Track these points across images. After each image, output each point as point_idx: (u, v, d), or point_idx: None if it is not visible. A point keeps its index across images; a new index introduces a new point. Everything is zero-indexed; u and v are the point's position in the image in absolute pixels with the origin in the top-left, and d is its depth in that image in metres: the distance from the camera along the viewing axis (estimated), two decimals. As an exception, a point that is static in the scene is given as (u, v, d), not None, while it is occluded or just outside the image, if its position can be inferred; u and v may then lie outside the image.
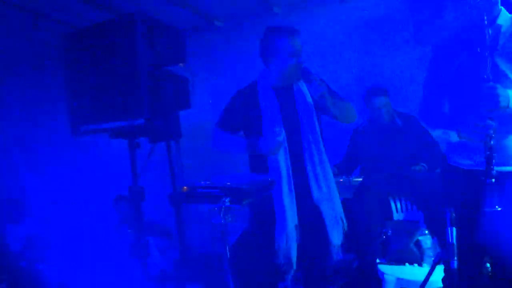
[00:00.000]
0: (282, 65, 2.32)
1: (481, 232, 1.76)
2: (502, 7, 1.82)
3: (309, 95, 2.36)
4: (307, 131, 2.32)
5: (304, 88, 2.39)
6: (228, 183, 1.74)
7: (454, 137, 1.85)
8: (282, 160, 2.31)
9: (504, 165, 1.78)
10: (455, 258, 1.42)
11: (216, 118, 2.56)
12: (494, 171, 1.67)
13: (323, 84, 2.19)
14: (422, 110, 2.08)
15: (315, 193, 2.31)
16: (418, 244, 2.61)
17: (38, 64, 5.11)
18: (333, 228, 2.33)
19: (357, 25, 3.71)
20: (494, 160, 1.67)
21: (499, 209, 1.65)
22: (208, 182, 1.81)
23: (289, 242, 2.30)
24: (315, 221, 2.32)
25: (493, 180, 1.66)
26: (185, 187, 1.83)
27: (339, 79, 3.58)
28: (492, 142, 1.67)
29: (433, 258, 1.99)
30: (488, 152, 1.67)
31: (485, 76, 1.68)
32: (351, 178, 3.19)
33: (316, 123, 2.35)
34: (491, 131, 1.66)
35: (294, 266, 2.33)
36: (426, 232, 2.59)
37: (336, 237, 2.34)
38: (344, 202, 3.27)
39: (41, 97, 5.41)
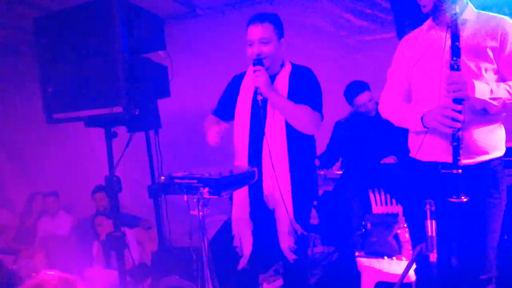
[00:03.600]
0: (247, 53, 2.31)
1: (446, 223, 1.78)
2: (469, 2, 1.85)
3: (285, 87, 2.30)
4: (271, 123, 2.26)
5: (285, 78, 2.34)
6: (207, 174, 1.70)
7: (415, 127, 1.87)
8: (242, 148, 2.31)
9: (470, 158, 1.80)
10: (435, 251, 1.42)
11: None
12: (461, 162, 1.68)
13: (261, 78, 2.17)
14: (384, 102, 2.10)
15: (266, 189, 2.27)
16: (396, 237, 2.62)
17: (12, 51, 4.94)
18: (281, 233, 2.30)
19: (342, 15, 3.69)
20: (460, 151, 1.68)
21: (465, 199, 1.66)
22: (186, 173, 1.77)
23: (241, 231, 2.34)
24: (266, 216, 2.31)
25: (460, 170, 1.67)
26: (162, 177, 1.78)
27: (325, 71, 3.56)
28: (459, 133, 1.68)
29: (412, 251, 2.00)
30: (455, 143, 1.69)
31: (455, 66, 1.69)
32: (332, 171, 3.19)
33: (282, 118, 2.26)
34: (459, 122, 1.68)
35: (247, 253, 2.35)
36: (405, 225, 2.60)
37: (285, 242, 2.29)
38: (324, 194, 3.29)
39: (17, 85, 5.25)
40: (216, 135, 2.22)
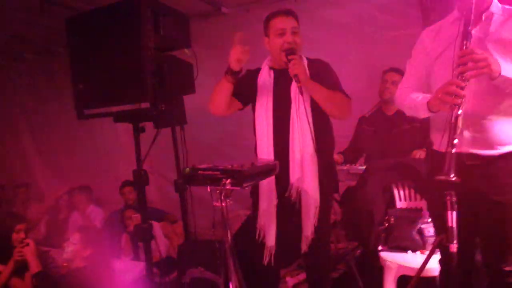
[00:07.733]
0: (273, 44, 2.34)
1: (468, 214, 1.76)
2: None
3: None
4: (295, 115, 2.30)
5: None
6: (229, 166, 1.75)
7: (423, 113, 1.87)
8: (267, 139, 2.35)
9: (494, 149, 1.79)
10: (455, 241, 1.42)
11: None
12: (456, 141, 1.63)
13: (299, 66, 2.18)
14: (400, 91, 2.10)
15: (292, 177, 2.31)
16: (420, 231, 2.60)
17: (45, 50, 5.13)
18: (306, 219, 2.35)
19: (367, 10, 3.67)
20: (458, 130, 1.64)
21: (454, 178, 1.59)
22: (210, 165, 1.82)
23: (267, 221, 2.36)
24: (292, 204, 2.35)
25: (453, 150, 1.62)
26: (187, 169, 1.84)
27: (349, 67, 3.56)
28: (459, 112, 1.64)
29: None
30: (453, 121, 1.65)
31: (464, 47, 1.68)
32: (355, 166, 3.18)
33: (308, 109, 2.29)
34: (460, 100, 1.63)
35: (271, 244, 2.39)
36: (429, 220, 2.58)
37: (308, 229, 2.35)
38: (348, 190, 3.29)
39: (48, 82, 5.44)
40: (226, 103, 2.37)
